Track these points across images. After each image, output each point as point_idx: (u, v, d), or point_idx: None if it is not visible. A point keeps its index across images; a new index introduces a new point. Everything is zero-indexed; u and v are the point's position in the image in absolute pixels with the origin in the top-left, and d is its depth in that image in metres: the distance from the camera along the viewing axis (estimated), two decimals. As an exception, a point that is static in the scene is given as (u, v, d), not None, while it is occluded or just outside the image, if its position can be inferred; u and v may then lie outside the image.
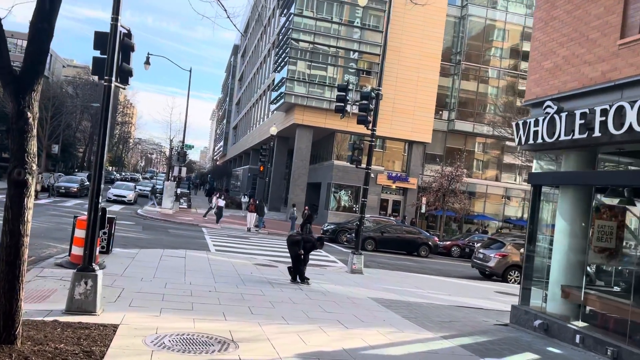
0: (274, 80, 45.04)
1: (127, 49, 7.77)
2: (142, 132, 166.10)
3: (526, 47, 43.65)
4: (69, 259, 11.00)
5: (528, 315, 10.07)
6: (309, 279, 12.47)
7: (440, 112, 42.08)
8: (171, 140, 51.18)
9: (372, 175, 38.82)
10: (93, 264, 7.34)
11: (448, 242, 29.32)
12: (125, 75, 7.76)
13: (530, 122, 10.01)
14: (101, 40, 7.59)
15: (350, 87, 17.69)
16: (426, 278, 17.72)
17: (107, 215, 13.30)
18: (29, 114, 5.01)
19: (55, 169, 55.82)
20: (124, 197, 37.21)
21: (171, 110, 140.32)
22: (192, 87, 36.84)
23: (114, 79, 7.41)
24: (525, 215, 43.78)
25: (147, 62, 34.86)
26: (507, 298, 15.05)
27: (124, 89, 7.74)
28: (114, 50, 7.40)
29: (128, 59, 7.80)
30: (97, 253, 11.15)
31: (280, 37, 41.43)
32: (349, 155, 16.16)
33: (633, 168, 9.43)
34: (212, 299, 9.39)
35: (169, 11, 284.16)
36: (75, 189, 36.33)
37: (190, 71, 36.35)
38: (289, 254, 12.91)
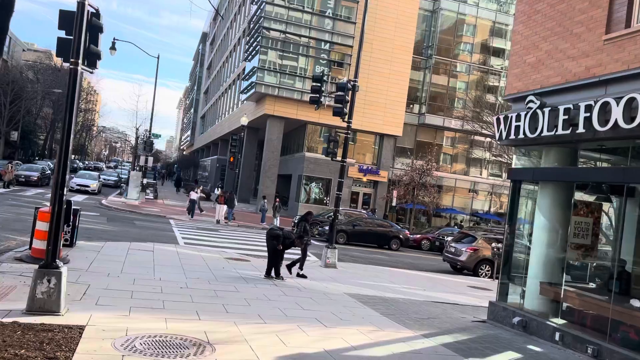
0: (244, 70, 44.21)
1: (95, 29, 7.20)
2: (106, 120, 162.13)
3: (496, 42, 44.16)
4: (30, 253, 10.34)
5: (506, 312, 10.01)
6: (282, 276, 12.15)
7: (411, 106, 42.20)
8: (137, 129, 49.80)
9: (343, 167, 38.77)
10: (57, 260, 6.80)
11: (418, 236, 29.42)
12: (92, 59, 7.20)
13: (511, 116, 9.89)
14: (67, 20, 7.01)
15: (325, 78, 17.35)
16: (400, 272, 17.63)
17: (73, 207, 12.64)
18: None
19: (14, 157, 53.55)
20: (88, 186, 35.96)
21: (137, 98, 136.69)
22: (159, 75, 35.81)
23: (80, 61, 6.86)
24: (492, 209, 44.65)
25: (113, 48, 33.61)
26: (480, 293, 15.09)
27: (92, 72, 7.18)
28: (81, 31, 6.84)
29: (96, 40, 7.24)
30: (61, 247, 10.55)
31: (252, 26, 40.63)
32: (323, 148, 15.85)
33: (612, 165, 9.44)
34: (184, 296, 8.95)
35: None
36: (36, 178, 34.88)
37: (157, 58, 35.26)
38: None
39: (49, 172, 39.70)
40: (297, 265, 13.03)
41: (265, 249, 16.41)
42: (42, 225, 10.08)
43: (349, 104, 15.59)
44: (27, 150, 69.49)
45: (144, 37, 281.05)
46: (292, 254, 13.66)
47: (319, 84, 17.09)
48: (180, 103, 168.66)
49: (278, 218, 29.78)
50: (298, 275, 12.90)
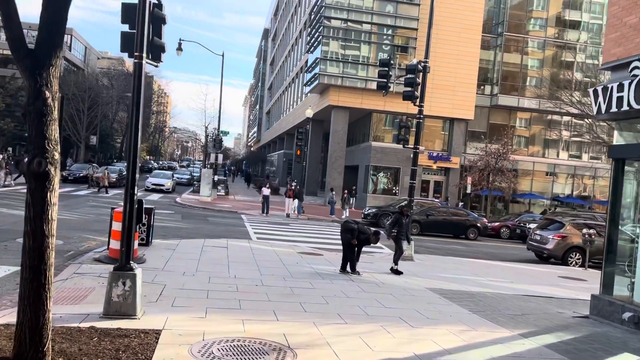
0: (306, 62, 43.95)
1: (158, 21, 6.93)
2: (176, 120, 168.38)
3: (571, 15, 41.15)
4: (108, 253, 10.42)
5: (613, 307, 8.92)
6: (358, 271, 11.57)
7: (482, 87, 40.21)
8: (206, 128, 50.95)
9: (411, 155, 37.55)
10: (131, 261, 6.61)
11: (497, 223, 27.92)
12: (157, 51, 6.94)
13: (612, 87, 8.74)
14: (129, 13, 6.79)
15: (392, 62, 16.56)
16: (481, 263, 16.60)
17: (145, 206, 12.71)
18: (47, 93, 4.21)
19: (94, 160, 56.49)
20: (162, 185, 37.15)
21: (205, 97, 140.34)
22: (224, 74, 36.21)
23: (144, 55, 6.59)
24: (575, 193, 41.80)
25: (180, 49, 34.38)
26: (574, 284, 13.85)
27: (157, 66, 6.93)
28: (144, 23, 6.57)
29: (160, 32, 6.97)
30: (136, 246, 10.57)
31: (313, 17, 40.22)
32: (394, 135, 15.11)
33: None
34: (260, 294, 8.61)
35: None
36: (114, 179, 36.42)
37: (222, 55, 35.69)
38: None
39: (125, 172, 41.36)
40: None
41: (338, 242, 15.94)
42: (118, 226, 10.09)
43: (419, 87, 14.73)
44: (105, 153, 73.29)
45: (207, 39, 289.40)
46: (368, 251, 13.08)
47: (386, 69, 16.34)
48: (245, 100, 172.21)
49: (347, 210, 29.31)
50: (393, 270, 12.25)
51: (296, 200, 27.63)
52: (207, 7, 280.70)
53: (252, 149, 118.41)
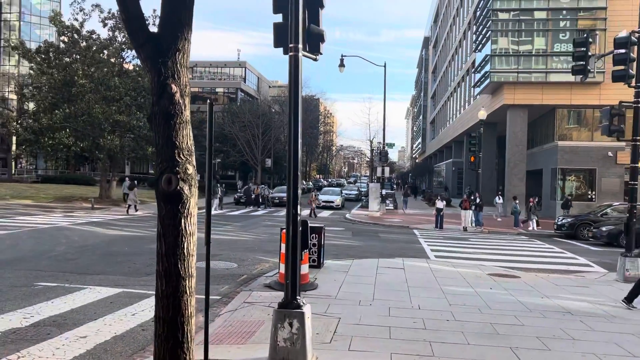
0: (473, 63, 40.88)
1: (314, 4, 5.79)
2: (342, 139, 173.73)
3: None
4: (278, 278, 9.63)
5: None
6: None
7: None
8: (371, 142, 50.53)
9: (609, 154, 32.11)
10: (298, 297, 5.44)
11: None
12: (315, 41, 5.78)
13: None
14: (282, 1, 5.74)
15: (591, 40, 13.55)
16: None
17: (315, 224, 11.87)
18: (174, 87, 3.19)
19: (271, 182, 59.81)
20: (332, 202, 37.32)
21: (369, 111, 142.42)
22: (385, 89, 35.11)
23: (300, 46, 5.47)
24: None
25: (342, 64, 34.37)
26: None
27: (315, 59, 5.76)
28: (298, 8, 5.46)
29: (317, 18, 5.81)
30: (306, 271, 9.60)
31: (479, 13, 37.24)
32: (604, 126, 12.17)
33: None
34: (454, 333, 6.88)
35: (354, 21, 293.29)
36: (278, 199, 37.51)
37: (384, 66, 34.72)
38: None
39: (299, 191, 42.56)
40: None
41: (531, 260, 13.54)
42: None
43: (635, 63, 11.66)
44: (280, 175, 77.60)
45: (367, 57, 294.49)
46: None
47: (583, 49, 13.47)
48: (408, 113, 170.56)
49: (534, 220, 25.72)
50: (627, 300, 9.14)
51: (471, 212, 25.01)
52: (364, 27, 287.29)
53: (417, 160, 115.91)
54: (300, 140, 5.38)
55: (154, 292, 9.14)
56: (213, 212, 28.85)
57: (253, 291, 9.19)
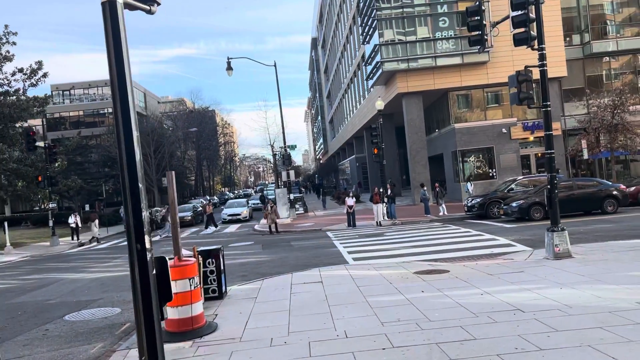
0: (363, 56, 40.57)
1: None
2: (244, 147, 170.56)
3: None
4: (164, 327, 7.48)
5: None
6: None
7: (569, 38, 34.84)
8: (272, 146, 48.81)
9: (503, 130, 32.94)
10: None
11: (633, 189, 22.83)
12: None
13: None
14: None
15: (484, 8, 12.79)
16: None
17: (209, 248, 9.82)
18: None
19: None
20: (239, 214, 35.11)
21: (265, 114, 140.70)
22: (280, 95, 33.53)
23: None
24: None
25: (230, 68, 32.31)
26: None
27: (150, 11, 3.80)
28: None
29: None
30: (201, 310, 7.56)
31: (362, 3, 36.83)
32: (513, 94, 11.34)
33: None
34: (396, 368, 5.24)
35: (238, 31, 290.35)
36: (189, 217, 34.73)
37: (275, 65, 33.11)
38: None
39: (201, 209, 39.81)
40: None
41: (453, 248, 12.54)
42: (177, 286, 7.16)
43: (535, 24, 10.90)
44: (182, 192, 73.35)
45: (255, 65, 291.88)
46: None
47: (477, 18, 12.67)
48: (306, 116, 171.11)
49: (444, 205, 25.41)
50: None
51: (381, 206, 24.07)
52: (249, 37, 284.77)
53: (320, 161, 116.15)
54: (136, 134, 3.41)
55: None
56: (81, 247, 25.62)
57: (131, 349, 6.99)
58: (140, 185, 3.38)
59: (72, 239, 28.70)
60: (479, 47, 12.92)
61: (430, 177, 33.19)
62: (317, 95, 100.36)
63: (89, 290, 12.82)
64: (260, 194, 61.86)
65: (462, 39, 31.10)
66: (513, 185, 23.45)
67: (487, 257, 12.70)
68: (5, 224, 27.20)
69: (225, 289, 9.97)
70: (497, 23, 12.50)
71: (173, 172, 7.35)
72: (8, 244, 26.03)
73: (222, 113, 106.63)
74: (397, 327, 6.76)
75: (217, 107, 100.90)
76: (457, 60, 31.75)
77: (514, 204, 20.30)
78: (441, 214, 24.88)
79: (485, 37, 12.82)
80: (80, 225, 29.21)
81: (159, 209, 36.87)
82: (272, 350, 6.28)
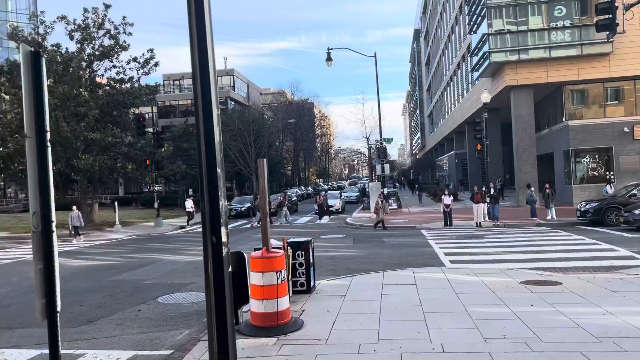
0: (469, 47, 38.57)
1: None
2: (340, 140, 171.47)
3: None
4: (250, 319, 7.22)
5: None
6: None
7: None
8: (368, 138, 48.19)
9: (625, 129, 29.66)
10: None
11: None
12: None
13: None
14: None
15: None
16: None
17: (299, 239, 9.49)
18: None
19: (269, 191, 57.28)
20: (331, 206, 34.92)
21: (362, 106, 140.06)
22: (378, 88, 32.83)
23: None
24: None
25: (329, 59, 32.24)
26: None
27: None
28: None
29: None
30: (287, 305, 7.20)
31: (469, -8, 34.93)
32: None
33: None
34: (503, 399, 4.48)
35: (338, 24, 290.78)
36: (244, 209, 35.08)
37: (375, 56, 32.43)
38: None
39: (294, 198, 40.28)
40: None
41: (564, 256, 11.21)
42: (256, 278, 6.88)
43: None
44: (279, 182, 75.07)
45: (355, 57, 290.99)
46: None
47: (608, 1, 11.13)
48: (404, 109, 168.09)
49: (553, 209, 23.30)
50: None
51: (482, 205, 22.57)
52: (350, 29, 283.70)
53: (417, 156, 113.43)
54: (216, 112, 3.01)
55: (86, 351, 6.76)
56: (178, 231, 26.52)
57: (215, 340, 6.79)
58: (218, 170, 2.97)
59: (187, 224, 29.62)
60: (608, 32, 11.37)
61: (537, 177, 30.79)
62: (417, 88, 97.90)
63: (184, 272, 13.11)
64: (359, 186, 61.48)
65: (581, 28, 28.41)
66: (636, 191, 20.93)
67: (606, 269, 11.24)
68: (116, 203, 29.20)
69: (314, 283, 9.60)
70: (632, 5, 10.88)
71: (264, 159, 7.04)
72: (117, 222, 27.91)
73: (320, 105, 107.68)
74: (503, 345, 5.93)
75: (316, 99, 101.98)
76: (574, 52, 29.04)
77: (636, 211, 18.04)
78: (549, 217, 22.86)
79: (617, 21, 11.23)
80: (193, 209, 30.16)
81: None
82: (359, 358, 5.75)
